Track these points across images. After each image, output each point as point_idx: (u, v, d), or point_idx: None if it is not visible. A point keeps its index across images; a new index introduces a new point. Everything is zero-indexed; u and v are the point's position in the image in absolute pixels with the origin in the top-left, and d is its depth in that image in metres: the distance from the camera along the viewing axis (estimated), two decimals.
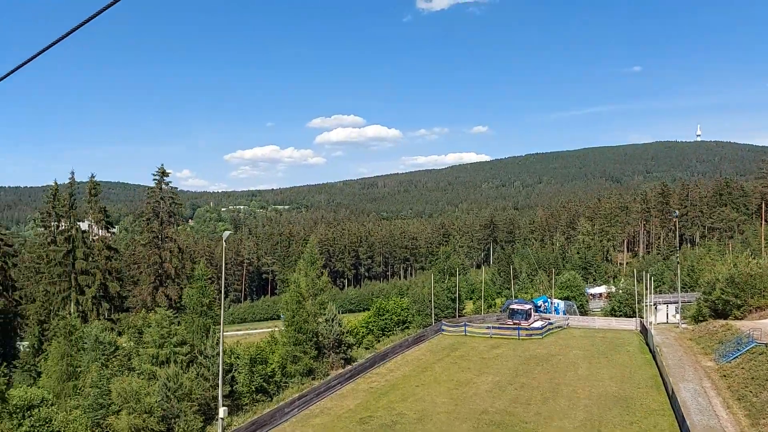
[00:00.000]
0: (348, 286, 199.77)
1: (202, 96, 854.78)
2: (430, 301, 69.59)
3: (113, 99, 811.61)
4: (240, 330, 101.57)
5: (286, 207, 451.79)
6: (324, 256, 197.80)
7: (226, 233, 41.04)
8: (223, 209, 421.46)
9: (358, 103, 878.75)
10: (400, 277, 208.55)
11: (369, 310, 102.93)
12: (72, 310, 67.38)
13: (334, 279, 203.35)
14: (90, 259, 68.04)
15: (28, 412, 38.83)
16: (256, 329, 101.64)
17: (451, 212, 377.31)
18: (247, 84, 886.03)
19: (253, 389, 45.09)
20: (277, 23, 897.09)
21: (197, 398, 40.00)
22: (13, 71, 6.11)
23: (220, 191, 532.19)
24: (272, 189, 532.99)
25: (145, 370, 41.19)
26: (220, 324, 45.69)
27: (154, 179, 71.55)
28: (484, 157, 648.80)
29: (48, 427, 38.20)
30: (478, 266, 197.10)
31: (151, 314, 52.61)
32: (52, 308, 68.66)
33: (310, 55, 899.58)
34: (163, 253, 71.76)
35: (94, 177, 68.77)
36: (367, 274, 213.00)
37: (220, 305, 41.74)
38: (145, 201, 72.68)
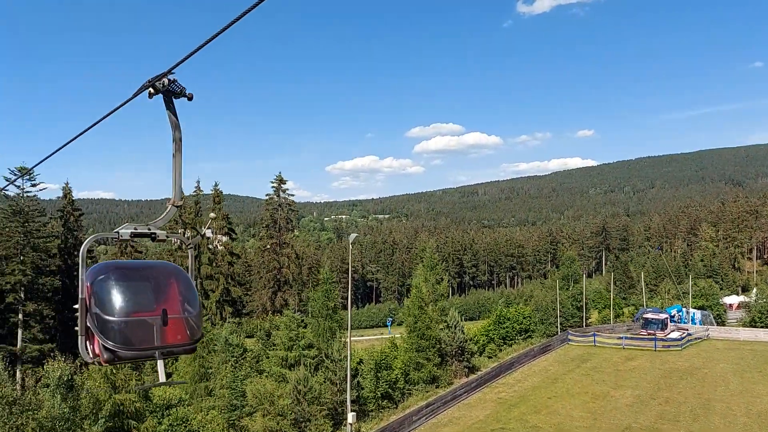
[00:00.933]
0: (453, 295, 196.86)
1: (305, 110, 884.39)
2: (554, 309, 66.06)
3: (229, 117, 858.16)
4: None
5: (386, 216, 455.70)
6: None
7: (353, 236, 40.53)
8: (325, 219, 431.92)
9: (457, 111, 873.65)
10: (506, 286, 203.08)
11: (476, 319, 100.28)
12: None
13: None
14: (214, 264, 70.57)
15: (167, 411, 40.03)
16: (363, 336, 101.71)
17: (556, 220, 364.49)
18: (348, 96, 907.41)
19: (379, 395, 44.22)
20: (376, 36, 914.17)
21: (326, 402, 39.60)
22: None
23: (322, 201, 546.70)
24: (372, 198, 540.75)
25: (274, 372, 41.42)
26: (344, 328, 45.29)
27: (272, 187, 73.37)
28: (591, 162, 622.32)
29: (185, 426, 39.11)
30: (590, 275, 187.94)
31: (276, 317, 53.30)
32: None
33: (408, 65, 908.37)
34: (281, 259, 73.19)
35: (217, 185, 71.52)
36: (471, 282, 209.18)
37: (347, 308, 41.22)
38: (264, 208, 74.48)
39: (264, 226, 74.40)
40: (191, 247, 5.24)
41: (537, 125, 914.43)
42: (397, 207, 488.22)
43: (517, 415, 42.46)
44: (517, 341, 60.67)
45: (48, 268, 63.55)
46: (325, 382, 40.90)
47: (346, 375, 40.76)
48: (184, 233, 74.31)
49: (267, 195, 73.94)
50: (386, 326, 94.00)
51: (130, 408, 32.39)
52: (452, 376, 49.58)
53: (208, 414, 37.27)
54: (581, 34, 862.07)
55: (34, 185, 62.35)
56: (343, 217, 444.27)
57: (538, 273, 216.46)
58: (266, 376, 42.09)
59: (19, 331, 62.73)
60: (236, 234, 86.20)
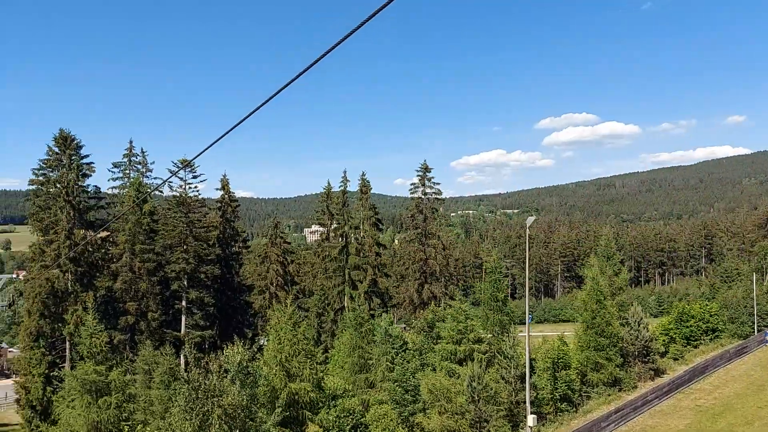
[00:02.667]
0: None
1: (430, 106, 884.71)
2: (746, 307, 57.49)
3: (356, 116, 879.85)
4: None
5: (515, 211, 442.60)
6: (568, 260, 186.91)
7: (530, 219, 36.51)
8: (452, 214, 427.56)
9: (591, 100, 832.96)
10: (655, 283, 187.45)
11: None
12: (347, 304, 69.25)
13: (579, 283, 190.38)
14: (361, 255, 69.35)
15: (332, 402, 38.44)
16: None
17: (705, 212, 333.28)
18: (474, 90, 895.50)
19: (557, 397, 39.85)
20: (503, 26, 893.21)
21: (503, 402, 35.97)
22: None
23: (448, 197, 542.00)
24: (499, 193, 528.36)
25: (443, 367, 38.46)
26: (515, 322, 41.33)
27: (417, 175, 70.85)
28: (743, 150, 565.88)
29: (351, 418, 37.24)
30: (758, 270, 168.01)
31: (438, 308, 50.48)
32: (327, 302, 71.47)
33: (537, 55, 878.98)
34: (427, 250, 70.50)
35: (364, 175, 70.18)
36: None
37: (525, 301, 37.28)
38: (409, 197, 72.19)
39: (409, 215, 72.02)
40: None
41: (680, 112, 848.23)
42: (527, 201, 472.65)
43: (724, 426, 36.30)
44: (703, 341, 53.26)
45: (208, 257, 65.56)
46: (500, 380, 37.32)
47: (522, 373, 36.93)
48: (331, 224, 73.96)
49: (411, 184, 71.62)
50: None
51: (305, 398, 30.83)
52: (636, 379, 43.92)
53: (380, 408, 34.97)
54: (731, 12, 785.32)
55: (195, 177, 64.58)
56: (470, 212, 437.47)
57: (690, 269, 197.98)
58: (433, 371, 39.18)
59: (183, 318, 65.23)
60: (383, 225, 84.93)
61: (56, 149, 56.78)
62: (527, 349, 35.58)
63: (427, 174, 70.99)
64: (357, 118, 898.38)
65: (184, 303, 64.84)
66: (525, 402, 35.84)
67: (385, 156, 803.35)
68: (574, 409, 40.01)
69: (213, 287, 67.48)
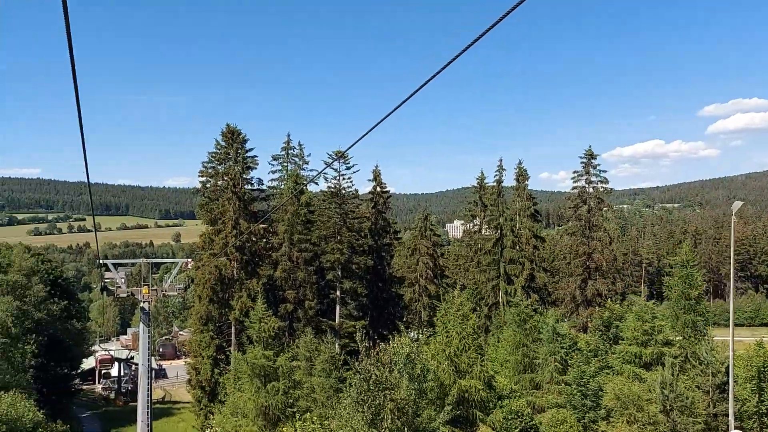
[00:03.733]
0: None
1: (577, 95, 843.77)
2: None
3: (499, 109, 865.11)
4: None
5: (676, 205, 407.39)
6: (742, 258, 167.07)
7: (737, 204, 31.18)
8: (604, 208, 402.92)
9: (763, 84, 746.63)
10: None
11: None
12: (501, 300, 66.02)
13: (756, 286, 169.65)
14: (517, 248, 65.74)
15: (499, 402, 35.81)
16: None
17: None
18: (626, 78, 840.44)
19: (763, 411, 33.95)
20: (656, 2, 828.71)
21: (700, 414, 31.09)
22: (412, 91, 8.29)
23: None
24: (657, 186, 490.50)
25: (625, 370, 34.29)
26: (710, 323, 35.85)
27: (581, 162, 65.63)
28: None
29: (520, 420, 34.33)
30: None
31: (616, 305, 45.85)
32: (480, 296, 68.64)
33: (698, 36, 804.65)
34: (592, 243, 65.11)
35: (521, 164, 66.44)
36: None
37: (729, 300, 32.06)
38: (571, 186, 67.18)
39: (571, 206, 66.98)
40: None
41: None
42: (688, 195, 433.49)
43: None
44: None
45: (361, 248, 65.73)
46: (695, 389, 32.38)
47: (721, 382, 31.74)
48: (484, 216, 71.01)
49: (574, 172, 66.50)
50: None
51: (476, 396, 28.52)
52: None
53: (558, 413, 31.75)
54: None
55: (348, 168, 64.97)
56: (624, 206, 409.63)
57: None
58: (612, 374, 35.08)
59: (337, 307, 66.01)
60: (541, 216, 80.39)
61: (223, 143, 59.64)
62: (731, 354, 30.40)
63: (593, 161, 65.61)
64: (500, 111, 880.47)
65: (338, 293, 65.59)
66: (727, 415, 30.75)
67: (531, 150, 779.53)
68: None
69: (365, 278, 67.62)
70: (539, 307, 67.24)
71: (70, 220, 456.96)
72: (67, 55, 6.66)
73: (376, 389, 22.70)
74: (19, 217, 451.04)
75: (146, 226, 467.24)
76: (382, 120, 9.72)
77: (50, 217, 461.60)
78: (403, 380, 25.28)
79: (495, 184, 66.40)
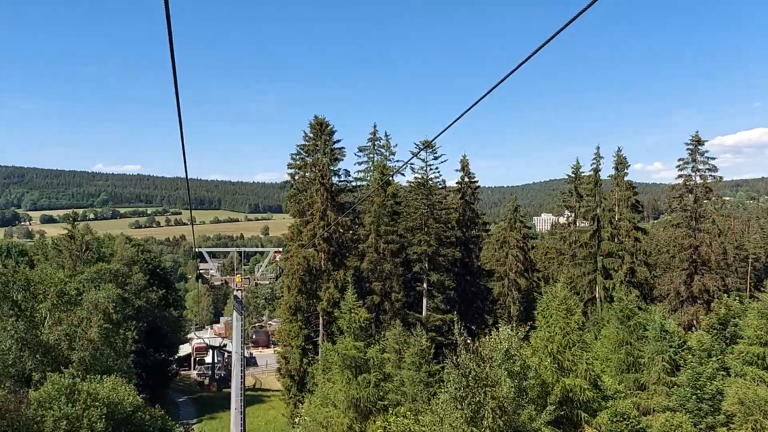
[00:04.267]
0: None
1: (675, 83, 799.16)
2: None
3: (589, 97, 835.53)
4: None
5: None
6: None
7: None
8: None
9: None
10: None
11: None
12: (598, 295, 62.52)
13: None
14: (616, 240, 61.95)
15: (603, 402, 33.35)
16: None
17: None
18: (727, 62, 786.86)
19: None
20: None
21: None
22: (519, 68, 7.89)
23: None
24: (762, 177, 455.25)
25: (746, 372, 31.01)
26: None
27: (687, 149, 60.89)
28: None
29: (626, 424, 31.77)
30: None
31: (734, 302, 42.02)
32: (576, 291, 65.34)
33: None
34: (699, 236, 60.31)
35: (620, 151, 62.43)
36: None
37: None
38: (676, 174, 62.49)
39: (676, 195, 62.35)
40: None
41: None
42: None
43: None
44: None
45: (448, 240, 64.15)
46: None
47: None
48: (579, 207, 67.51)
49: (680, 159, 61.69)
50: None
51: (581, 396, 26.47)
52: None
53: (673, 417, 29.06)
54: None
55: (435, 158, 63.46)
56: (727, 198, 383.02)
57: None
58: (729, 377, 31.82)
59: (424, 300, 64.80)
60: (642, 207, 75.68)
61: (311, 135, 59.81)
62: None
63: (699, 147, 60.68)
64: (591, 99, 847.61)
65: (425, 285, 64.38)
66: None
67: (623, 140, 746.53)
68: None
69: (453, 271, 65.99)
70: (641, 303, 63.35)
71: (168, 213, 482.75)
72: (169, 63, 6.83)
73: (476, 385, 21.27)
74: (122, 210, 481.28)
75: (237, 220, 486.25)
76: (470, 108, 9.47)
77: (149, 210, 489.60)
78: (503, 377, 23.73)
79: (592, 173, 62.73)
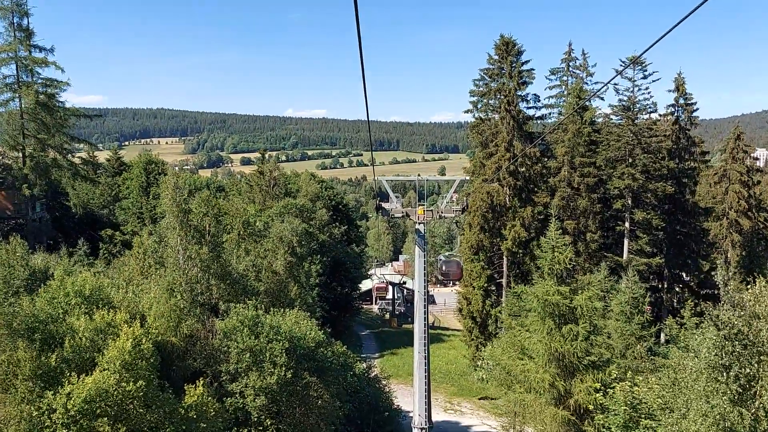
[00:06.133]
0: None
1: None
2: None
3: None
4: None
5: None
6: None
7: None
8: None
9: None
10: None
11: None
12: None
13: None
14: None
15: None
16: None
17: None
18: None
19: None
20: None
21: None
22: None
23: None
24: None
25: None
26: None
27: None
28: None
29: None
30: None
31: None
32: None
33: None
34: None
35: None
36: None
37: None
38: None
39: None
40: None
41: None
42: None
43: None
44: None
45: (658, 173, 55.22)
46: None
47: None
48: None
49: None
50: None
51: None
52: None
53: None
54: None
55: (645, 76, 54.07)
56: None
57: None
58: None
59: (625, 241, 57.17)
60: None
61: (496, 56, 53.94)
62: None
63: None
64: None
65: (627, 225, 56.61)
66: None
67: None
68: None
69: (662, 208, 57.12)
70: None
71: (350, 155, 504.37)
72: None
73: (747, 353, 15.52)
74: (309, 153, 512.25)
75: (414, 160, 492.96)
76: (686, 16, 7.94)
77: (334, 152, 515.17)
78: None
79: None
